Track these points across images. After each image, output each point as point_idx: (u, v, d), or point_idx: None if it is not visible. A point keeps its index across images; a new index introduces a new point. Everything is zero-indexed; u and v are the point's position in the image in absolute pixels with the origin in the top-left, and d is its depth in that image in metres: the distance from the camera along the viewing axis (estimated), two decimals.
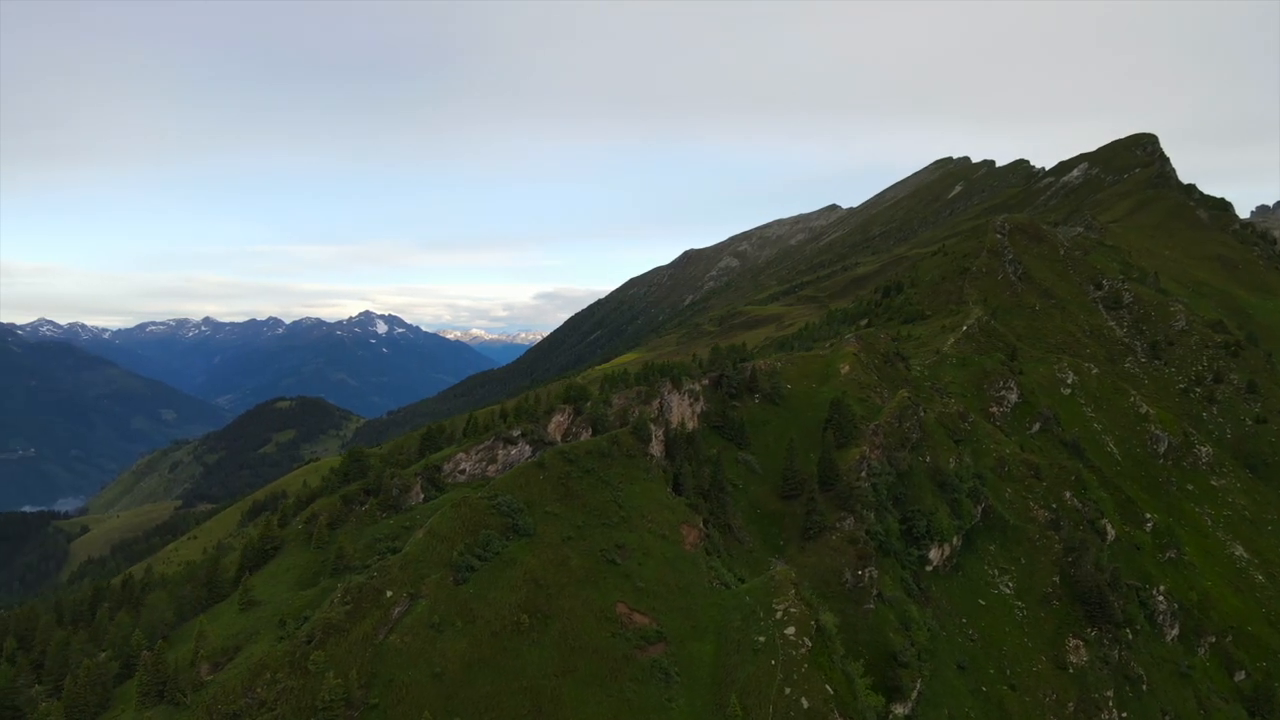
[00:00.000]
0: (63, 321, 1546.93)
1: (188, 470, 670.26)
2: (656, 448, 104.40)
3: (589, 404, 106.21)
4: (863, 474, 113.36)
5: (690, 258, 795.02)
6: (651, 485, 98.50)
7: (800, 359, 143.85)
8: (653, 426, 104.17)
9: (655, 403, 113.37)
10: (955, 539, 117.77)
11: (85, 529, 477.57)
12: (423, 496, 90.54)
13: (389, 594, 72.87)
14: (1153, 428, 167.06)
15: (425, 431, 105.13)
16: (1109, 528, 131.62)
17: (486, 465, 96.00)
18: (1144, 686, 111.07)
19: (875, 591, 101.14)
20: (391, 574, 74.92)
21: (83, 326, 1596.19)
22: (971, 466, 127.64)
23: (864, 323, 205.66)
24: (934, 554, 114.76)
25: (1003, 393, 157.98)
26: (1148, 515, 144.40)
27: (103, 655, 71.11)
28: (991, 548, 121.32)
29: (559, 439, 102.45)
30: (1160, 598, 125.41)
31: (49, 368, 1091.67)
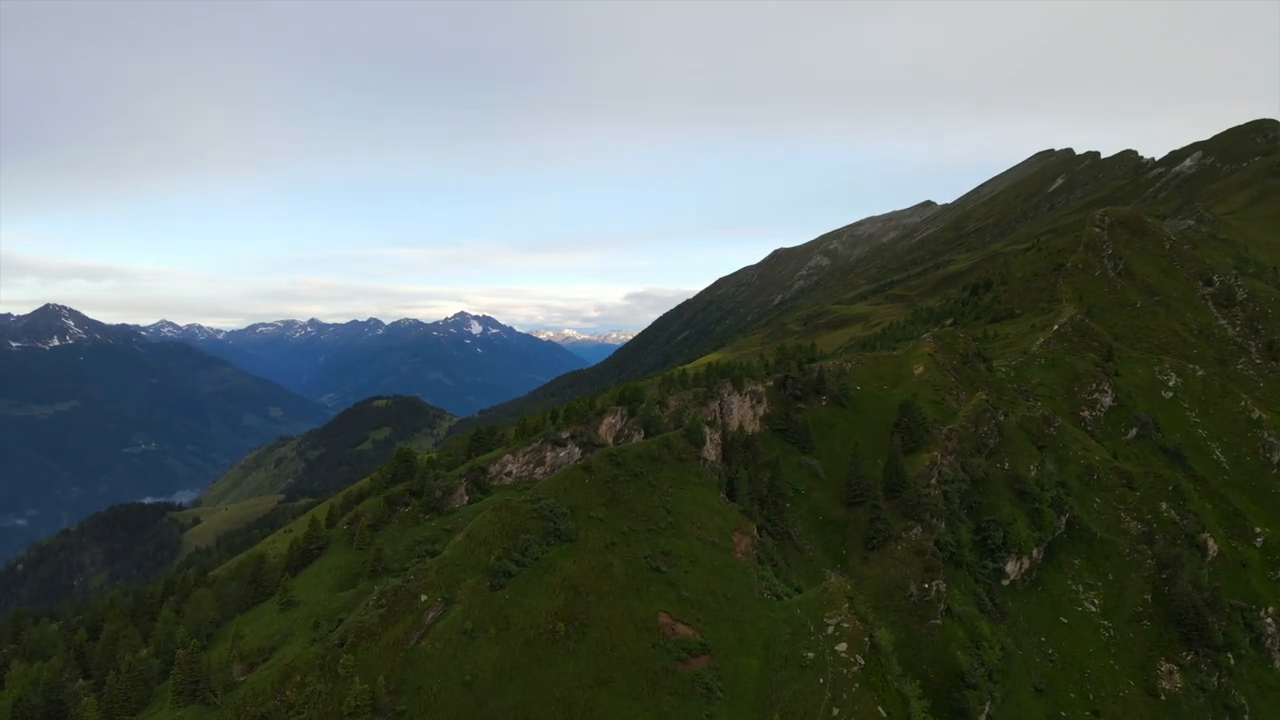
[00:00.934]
0: (182, 323, 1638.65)
1: (291, 466, 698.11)
2: (711, 451, 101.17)
3: (642, 405, 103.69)
4: (933, 481, 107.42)
5: (780, 257, 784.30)
6: (703, 490, 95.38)
7: (871, 359, 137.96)
8: (708, 429, 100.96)
9: (714, 405, 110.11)
10: (1035, 551, 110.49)
11: (197, 520, 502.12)
12: (467, 499, 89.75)
13: (423, 598, 72.03)
14: (1266, 434, 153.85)
15: (475, 433, 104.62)
16: (1211, 542, 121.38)
17: (534, 468, 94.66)
18: (1246, 717, 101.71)
19: (942, 606, 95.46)
20: (427, 578, 74.10)
21: (199, 328, 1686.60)
22: (1055, 474, 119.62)
23: (949, 322, 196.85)
24: (1011, 567, 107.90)
25: (1095, 395, 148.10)
26: (1258, 530, 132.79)
27: (144, 652, 72.51)
28: (1076, 561, 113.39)
29: (610, 441, 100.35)
30: (1269, 620, 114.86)
31: (169, 367, 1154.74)
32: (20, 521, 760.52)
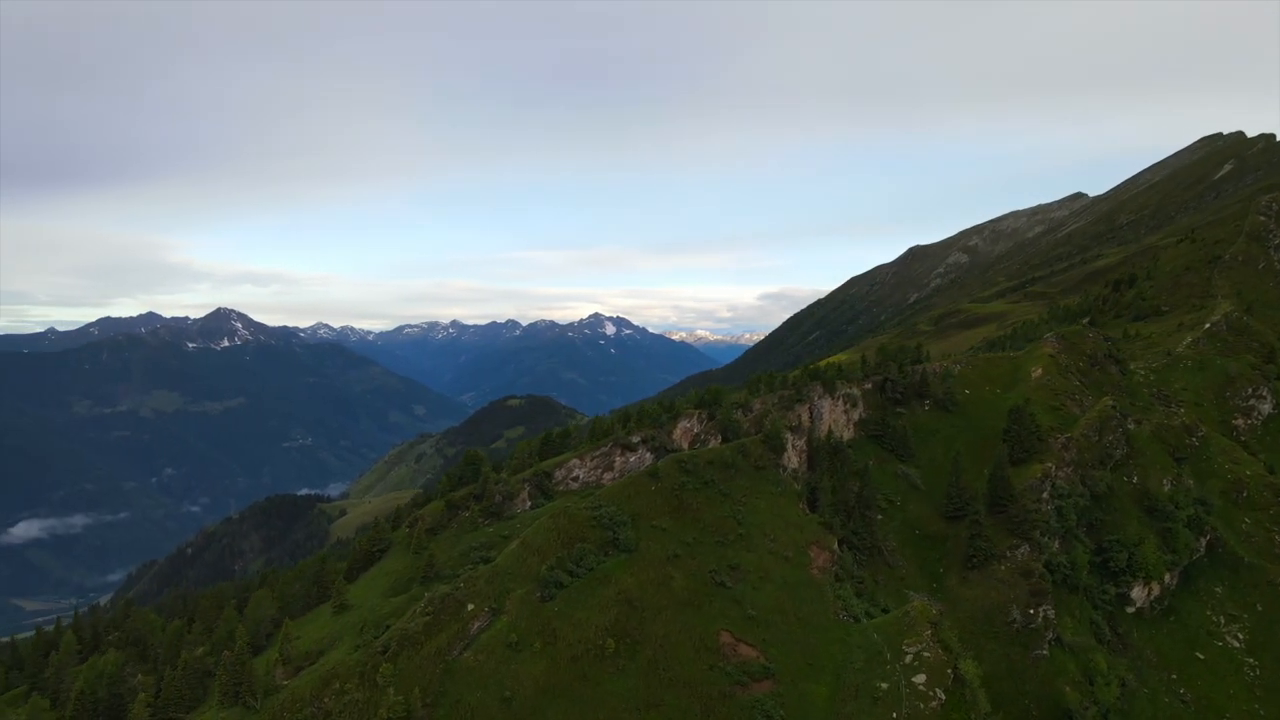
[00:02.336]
0: (336, 325, 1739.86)
1: (430, 462, 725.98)
2: (794, 458, 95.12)
3: (721, 409, 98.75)
4: (1044, 495, 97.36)
5: (916, 254, 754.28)
6: (780, 500, 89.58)
7: (984, 361, 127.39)
8: (789, 435, 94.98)
9: (802, 408, 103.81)
10: (1167, 576, 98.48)
11: (344, 512, 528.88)
12: (530, 504, 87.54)
13: (470, 607, 70.03)
14: None
15: (545, 435, 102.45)
16: None
17: (602, 473, 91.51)
18: None
19: (1051, 635, 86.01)
20: (476, 586, 72.11)
21: (351, 329, 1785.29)
22: (1193, 490, 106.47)
23: (1085, 320, 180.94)
24: (1137, 593, 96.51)
25: (1251, 402, 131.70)
26: None
27: (200, 650, 73.87)
28: (1217, 589, 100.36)
29: (685, 446, 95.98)
30: None
31: (324, 366, 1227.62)
32: (194, 508, 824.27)
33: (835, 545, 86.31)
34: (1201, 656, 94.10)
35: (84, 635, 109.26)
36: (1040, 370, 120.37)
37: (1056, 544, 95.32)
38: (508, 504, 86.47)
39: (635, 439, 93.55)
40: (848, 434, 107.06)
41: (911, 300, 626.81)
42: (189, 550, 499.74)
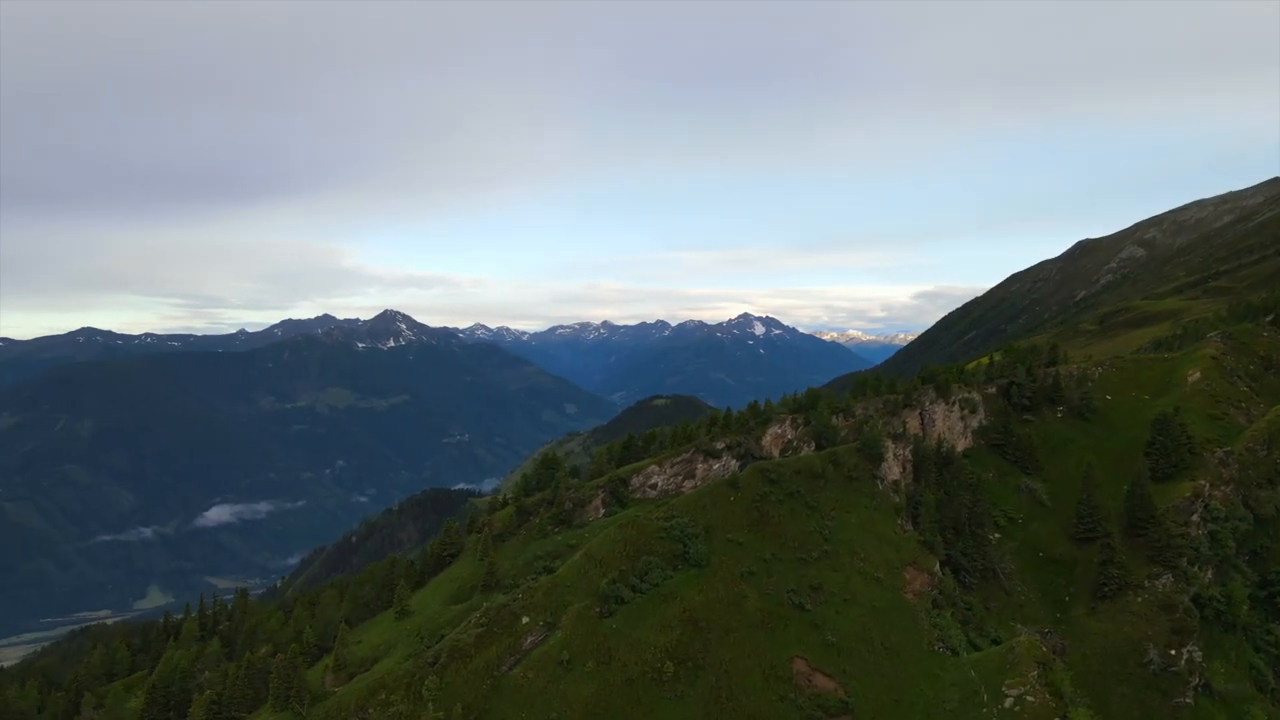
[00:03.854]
0: (493, 325, 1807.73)
1: (576, 460, 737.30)
2: (894, 469, 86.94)
3: (817, 413, 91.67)
4: (1194, 517, 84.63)
5: (1084, 249, 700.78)
6: (874, 515, 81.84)
7: (1132, 363, 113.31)
8: (890, 443, 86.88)
9: (910, 414, 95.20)
10: None
11: (491, 507, 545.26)
12: (603, 512, 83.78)
13: (524, 620, 67.06)
14: None
15: (627, 439, 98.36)
16: None
17: (682, 480, 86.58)
18: None
19: (1197, 680, 74.34)
20: (533, 598, 69.06)
21: (507, 330, 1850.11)
22: None
23: (1268, 318, 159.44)
24: None
25: None
26: None
27: (262, 650, 74.50)
28: None
29: (775, 453, 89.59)
30: None
31: (481, 365, 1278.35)
32: (362, 499, 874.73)
33: (936, 567, 77.92)
34: None
35: (206, 623, 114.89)
36: (1198, 374, 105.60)
37: (1209, 574, 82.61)
38: (579, 511, 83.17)
39: (719, 445, 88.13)
40: (964, 443, 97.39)
41: (1079, 297, 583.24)
42: (353, 538, 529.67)
